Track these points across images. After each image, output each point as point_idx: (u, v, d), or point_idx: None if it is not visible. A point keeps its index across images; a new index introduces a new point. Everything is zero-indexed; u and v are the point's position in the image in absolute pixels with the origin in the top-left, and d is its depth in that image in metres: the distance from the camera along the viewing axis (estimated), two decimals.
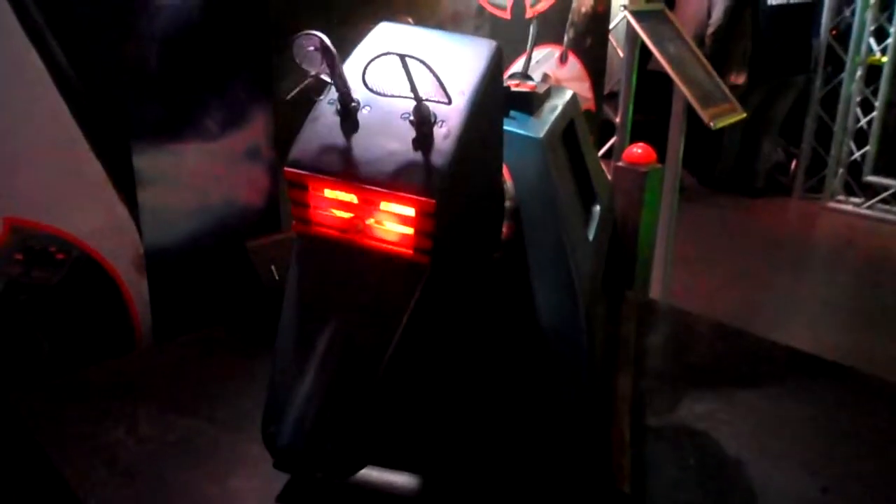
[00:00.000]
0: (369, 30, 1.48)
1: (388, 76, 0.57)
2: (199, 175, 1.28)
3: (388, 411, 0.61)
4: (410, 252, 0.58)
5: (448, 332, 0.69)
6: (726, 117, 1.79)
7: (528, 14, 1.68)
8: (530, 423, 0.83)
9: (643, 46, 1.87)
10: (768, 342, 1.31)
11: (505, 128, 0.82)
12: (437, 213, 0.56)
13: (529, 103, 0.89)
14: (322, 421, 0.57)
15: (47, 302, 1.15)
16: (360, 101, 0.59)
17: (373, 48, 0.67)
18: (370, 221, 0.58)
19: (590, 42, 1.85)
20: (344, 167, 0.58)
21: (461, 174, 0.60)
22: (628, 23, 1.84)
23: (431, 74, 0.55)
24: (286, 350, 0.61)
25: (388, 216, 0.57)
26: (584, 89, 1.90)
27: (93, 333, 1.20)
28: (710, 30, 3.28)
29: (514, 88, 0.89)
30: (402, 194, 0.56)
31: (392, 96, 0.58)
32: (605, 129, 2.17)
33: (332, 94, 0.59)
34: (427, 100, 0.57)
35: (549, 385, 0.84)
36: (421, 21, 1.49)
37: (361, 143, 0.58)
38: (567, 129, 0.99)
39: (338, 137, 0.59)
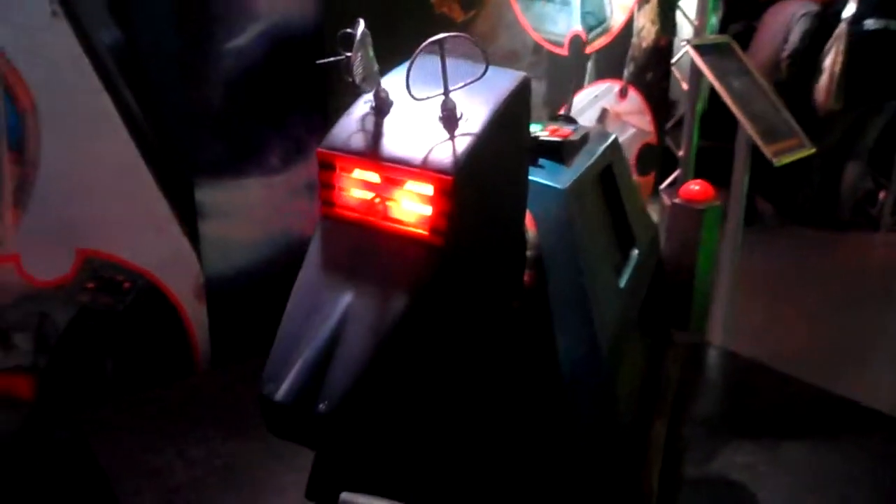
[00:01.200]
0: None
1: (421, 83, 0.61)
2: (258, 209, 1.35)
3: (387, 393, 0.61)
4: (427, 233, 0.59)
5: (462, 362, 0.70)
6: (792, 153, 1.73)
7: (587, 50, 1.69)
8: (551, 470, 0.84)
9: None
10: (823, 391, 1.26)
11: (531, 178, 0.84)
12: (454, 192, 0.57)
13: (559, 152, 0.90)
14: (319, 382, 0.58)
15: (114, 327, 1.23)
16: (393, 100, 0.63)
17: (414, 68, 0.70)
18: (391, 203, 0.60)
19: (651, 76, 1.84)
20: (370, 148, 0.60)
21: (481, 171, 0.61)
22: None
23: (474, 45, 0.61)
24: (295, 316, 0.62)
25: (408, 195, 0.58)
26: (645, 122, 1.89)
27: (155, 357, 1.28)
28: (785, 54, 3.17)
29: (545, 136, 0.90)
30: (422, 171, 0.57)
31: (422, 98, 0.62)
32: (671, 160, 2.14)
33: (369, 94, 0.63)
34: (459, 87, 0.61)
35: (571, 431, 0.84)
36: None
37: (389, 131, 0.61)
38: (603, 173, 1.00)
39: (368, 126, 0.62)
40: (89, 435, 1.13)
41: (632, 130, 1.85)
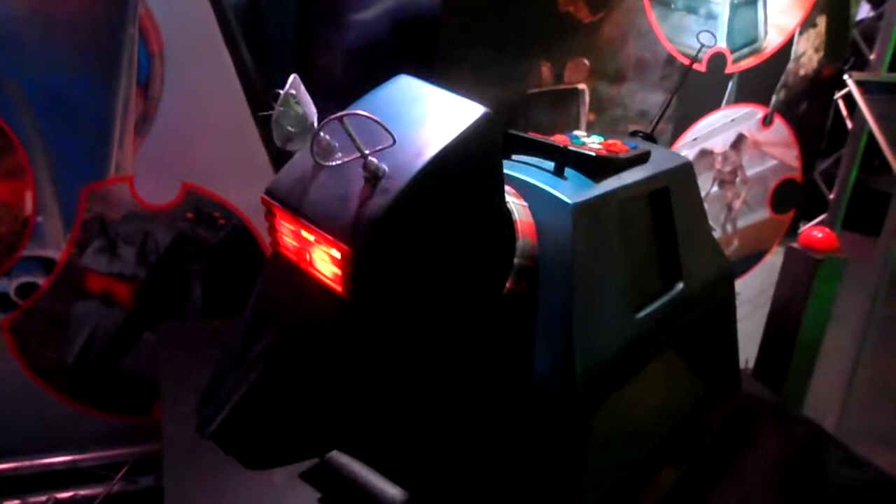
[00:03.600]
0: (541, 66, 1.51)
1: (369, 128, 0.60)
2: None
3: (301, 426, 0.65)
4: (338, 289, 0.62)
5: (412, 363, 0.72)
6: None
7: (729, 69, 1.58)
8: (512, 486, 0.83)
9: None
10: None
11: (543, 186, 0.83)
12: (355, 260, 0.58)
13: (589, 167, 0.87)
14: (232, 415, 0.63)
15: (206, 257, 1.38)
16: (337, 146, 0.62)
17: (375, 99, 0.72)
18: (316, 254, 0.62)
19: (806, 107, 1.68)
20: (297, 203, 0.62)
21: (400, 232, 0.61)
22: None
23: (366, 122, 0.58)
24: (232, 345, 0.68)
25: (324, 252, 0.61)
26: (791, 157, 1.73)
27: (236, 290, 1.41)
28: None
29: (579, 148, 0.88)
30: (328, 237, 0.59)
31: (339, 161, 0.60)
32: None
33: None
34: (373, 152, 0.60)
35: (534, 450, 0.83)
36: (600, 65, 1.49)
37: (322, 185, 0.62)
38: (654, 197, 0.96)
39: (308, 177, 0.63)
40: (161, 344, 1.28)
41: (772, 162, 1.71)
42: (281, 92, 0.62)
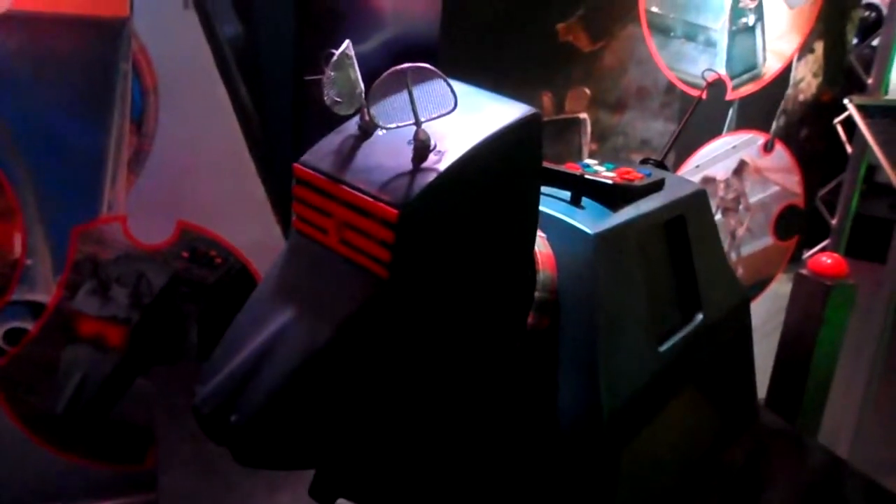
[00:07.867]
0: (542, 95, 1.49)
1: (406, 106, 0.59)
2: None
3: (307, 413, 0.59)
4: (373, 264, 0.58)
5: (428, 389, 0.68)
6: None
7: (729, 96, 1.57)
8: None
9: None
10: None
11: (561, 216, 0.80)
12: (400, 226, 0.55)
13: (607, 195, 0.84)
14: (234, 394, 0.57)
15: (203, 298, 1.34)
16: (381, 123, 0.60)
17: (421, 93, 0.69)
18: (349, 227, 0.59)
19: (806, 133, 1.67)
20: (337, 171, 0.60)
21: (445, 208, 0.59)
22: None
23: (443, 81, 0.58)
24: (240, 323, 0.63)
25: (362, 223, 0.58)
26: (793, 183, 1.72)
27: None
28: None
29: (593, 177, 0.85)
30: (373, 201, 0.56)
31: (391, 126, 0.59)
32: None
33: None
34: (427, 120, 0.58)
35: (566, 491, 0.79)
36: (601, 94, 1.47)
37: (362, 156, 0.60)
38: (670, 225, 0.93)
39: (346, 149, 0.61)
40: (157, 387, 1.23)
41: (774, 188, 1.69)
42: (335, 52, 0.60)
